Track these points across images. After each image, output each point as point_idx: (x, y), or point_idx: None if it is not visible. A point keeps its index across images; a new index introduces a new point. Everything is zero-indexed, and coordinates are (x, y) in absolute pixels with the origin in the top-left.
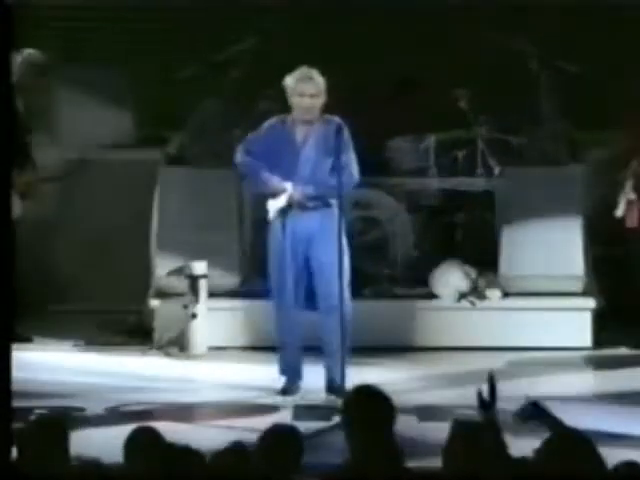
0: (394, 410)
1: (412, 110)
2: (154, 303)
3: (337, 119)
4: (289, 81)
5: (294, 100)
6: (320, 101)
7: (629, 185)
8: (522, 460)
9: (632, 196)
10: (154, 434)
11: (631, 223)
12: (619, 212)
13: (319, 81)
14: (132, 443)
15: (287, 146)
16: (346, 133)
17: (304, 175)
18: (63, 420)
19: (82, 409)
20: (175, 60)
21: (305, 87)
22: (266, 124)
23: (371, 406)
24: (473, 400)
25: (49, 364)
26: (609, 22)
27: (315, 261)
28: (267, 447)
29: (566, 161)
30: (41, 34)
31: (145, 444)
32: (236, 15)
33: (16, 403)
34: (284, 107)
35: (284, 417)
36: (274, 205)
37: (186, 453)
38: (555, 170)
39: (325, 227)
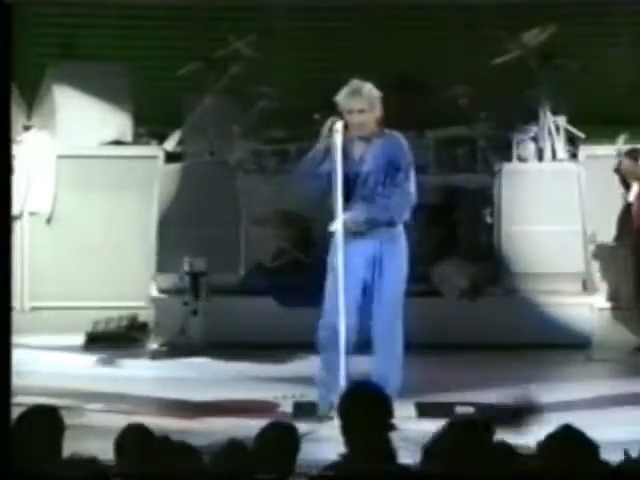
0: (390, 407)
1: (412, 107)
2: (154, 300)
3: (398, 134)
4: (339, 97)
5: (345, 117)
6: (373, 116)
7: None
8: (523, 457)
9: None
10: (145, 431)
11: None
12: (630, 197)
13: (368, 95)
14: (123, 440)
15: (345, 164)
16: (406, 150)
17: (361, 195)
18: (58, 410)
19: (79, 405)
20: (174, 57)
21: (352, 103)
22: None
23: (367, 403)
24: (474, 398)
25: (48, 361)
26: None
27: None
28: (264, 444)
29: (566, 158)
30: (40, 32)
31: (136, 441)
32: (235, 12)
33: (15, 400)
34: (282, 104)
35: (282, 414)
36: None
37: (183, 450)
38: (555, 167)
39: (385, 252)
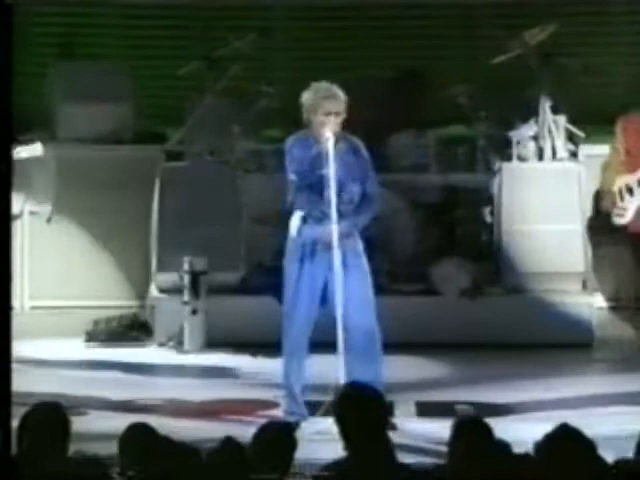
0: (386, 406)
1: (412, 107)
2: (154, 299)
3: (355, 138)
4: (309, 97)
5: (317, 119)
6: (342, 119)
7: None
8: (522, 456)
9: None
10: (148, 430)
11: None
12: (626, 219)
13: (343, 98)
14: (126, 439)
15: (314, 167)
16: (365, 151)
17: (330, 198)
18: (63, 408)
19: (82, 405)
20: (174, 57)
21: (331, 105)
22: (290, 145)
23: (362, 403)
24: (473, 397)
25: (49, 359)
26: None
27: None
28: (262, 443)
29: (566, 157)
30: (40, 32)
31: (139, 440)
32: (236, 12)
33: (15, 399)
34: (282, 104)
35: (280, 413)
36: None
37: (182, 449)
38: (555, 166)
39: (349, 257)
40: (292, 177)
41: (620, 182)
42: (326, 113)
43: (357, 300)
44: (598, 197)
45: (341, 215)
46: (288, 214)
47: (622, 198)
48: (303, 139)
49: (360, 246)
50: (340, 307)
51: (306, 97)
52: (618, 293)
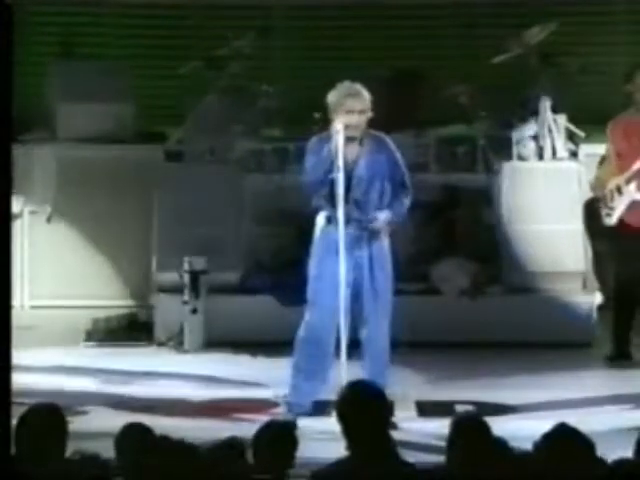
0: (389, 405)
1: (412, 106)
2: (154, 299)
3: (383, 135)
4: (334, 97)
5: (341, 118)
6: (367, 117)
7: (636, 185)
8: (522, 455)
9: (639, 196)
10: (144, 429)
11: (636, 221)
12: (614, 218)
13: (367, 96)
14: (122, 439)
15: (332, 165)
16: (394, 147)
17: (354, 197)
18: (60, 409)
19: (81, 405)
20: (174, 56)
21: (354, 103)
22: (312, 145)
23: (365, 402)
24: (474, 396)
25: (48, 359)
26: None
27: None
28: (263, 442)
29: (566, 157)
30: (40, 32)
31: (135, 440)
32: (235, 11)
33: (15, 399)
34: (282, 103)
35: (280, 412)
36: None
37: (182, 448)
38: (555, 165)
39: (375, 253)
40: (312, 177)
41: (611, 184)
42: (348, 111)
43: (379, 301)
44: (592, 199)
45: (367, 213)
46: (312, 215)
47: (612, 199)
48: (325, 139)
49: (386, 246)
50: (342, 306)
51: (330, 97)
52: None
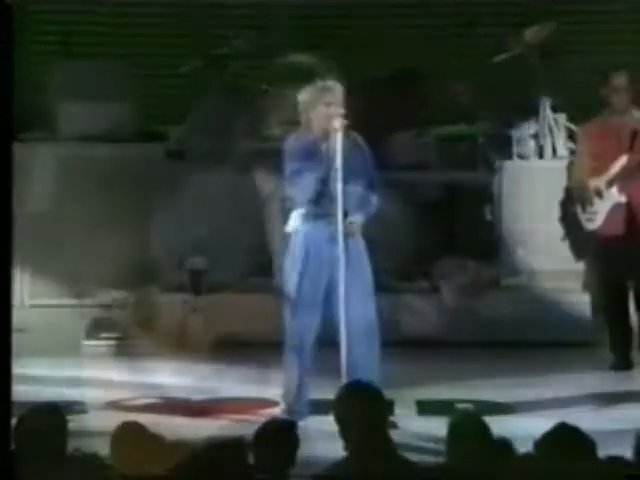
0: (386, 404)
1: (412, 104)
2: (154, 298)
3: (355, 133)
4: (308, 93)
5: (318, 112)
6: (342, 112)
7: (617, 188)
8: (521, 454)
9: (623, 199)
10: (140, 428)
11: (616, 230)
12: (597, 223)
13: (341, 90)
14: (118, 438)
15: (317, 164)
16: (367, 148)
17: (336, 194)
18: (61, 408)
19: (80, 403)
20: (175, 55)
21: (331, 96)
22: (290, 143)
23: (362, 401)
24: (474, 395)
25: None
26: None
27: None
28: (263, 441)
29: (566, 155)
30: (40, 31)
31: (131, 438)
32: (235, 10)
33: (15, 398)
34: (282, 102)
35: (280, 411)
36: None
37: (174, 447)
38: (555, 164)
39: (352, 249)
40: (292, 175)
41: (590, 187)
42: (327, 104)
43: (359, 296)
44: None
45: (344, 211)
46: (287, 212)
47: (591, 202)
48: (304, 136)
49: (362, 242)
50: (342, 305)
51: (303, 95)
52: None
